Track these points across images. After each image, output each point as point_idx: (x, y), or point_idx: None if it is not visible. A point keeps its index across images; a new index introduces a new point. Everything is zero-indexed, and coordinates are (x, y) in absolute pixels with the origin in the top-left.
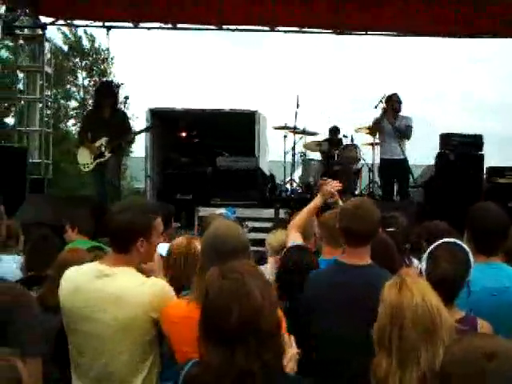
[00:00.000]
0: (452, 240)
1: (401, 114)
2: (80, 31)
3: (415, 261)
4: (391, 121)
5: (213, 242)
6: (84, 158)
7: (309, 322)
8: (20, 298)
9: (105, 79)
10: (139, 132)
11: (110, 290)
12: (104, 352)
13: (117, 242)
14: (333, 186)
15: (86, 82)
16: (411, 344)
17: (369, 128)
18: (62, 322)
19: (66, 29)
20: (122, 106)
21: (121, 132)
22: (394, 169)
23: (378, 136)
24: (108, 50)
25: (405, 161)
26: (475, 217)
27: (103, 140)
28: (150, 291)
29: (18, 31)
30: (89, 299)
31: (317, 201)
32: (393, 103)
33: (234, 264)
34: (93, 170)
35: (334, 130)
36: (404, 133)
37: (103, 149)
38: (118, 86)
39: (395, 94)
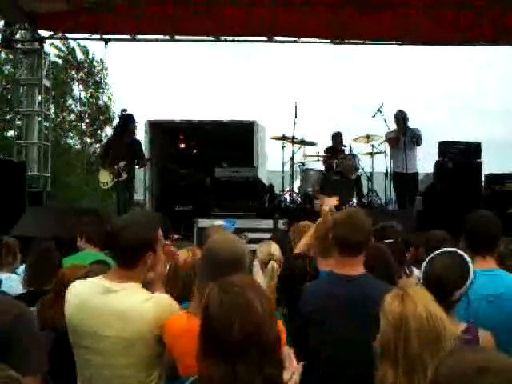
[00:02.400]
0: (453, 249)
1: (409, 126)
2: (73, 43)
3: (415, 270)
4: (404, 136)
5: (208, 255)
6: (104, 177)
7: (306, 334)
8: (21, 316)
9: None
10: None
11: (115, 306)
12: (109, 367)
13: (126, 258)
14: (330, 203)
15: (82, 95)
16: (417, 354)
17: (388, 140)
18: (56, 338)
19: (59, 42)
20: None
21: (137, 157)
22: (406, 181)
23: (389, 149)
24: (101, 61)
25: (416, 174)
26: (469, 221)
27: (122, 163)
28: (155, 308)
29: (16, 45)
30: (94, 315)
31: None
32: (400, 120)
33: (233, 278)
34: (112, 189)
35: (337, 136)
36: (416, 141)
37: (121, 170)
38: (123, 111)
39: (402, 111)
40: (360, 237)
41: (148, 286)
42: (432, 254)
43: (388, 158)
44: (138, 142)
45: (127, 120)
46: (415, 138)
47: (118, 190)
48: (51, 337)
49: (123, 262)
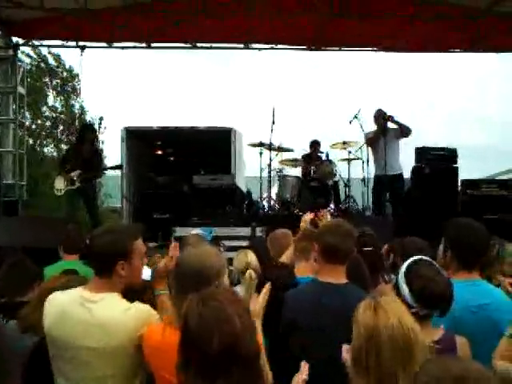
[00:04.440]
0: (424, 257)
1: (389, 126)
2: (44, 51)
3: (394, 277)
4: (384, 136)
5: (177, 268)
6: (59, 183)
7: (287, 343)
8: None
9: (86, 122)
10: (109, 168)
11: (94, 317)
12: (90, 378)
13: (97, 265)
14: (306, 218)
15: (56, 101)
16: (389, 365)
17: (368, 140)
18: (36, 345)
19: (29, 49)
20: (97, 127)
21: (92, 168)
22: (387, 184)
23: (371, 151)
24: (71, 67)
25: (401, 175)
26: (461, 234)
27: (77, 172)
28: (134, 318)
29: None
30: (74, 326)
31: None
32: (380, 119)
33: (212, 291)
34: (65, 194)
35: (314, 144)
36: (404, 130)
37: (75, 179)
38: (100, 119)
39: (381, 110)
40: (348, 245)
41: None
42: (410, 265)
43: (365, 163)
44: (97, 153)
45: (85, 130)
46: (405, 130)
47: (69, 197)
48: (32, 340)
49: (97, 269)
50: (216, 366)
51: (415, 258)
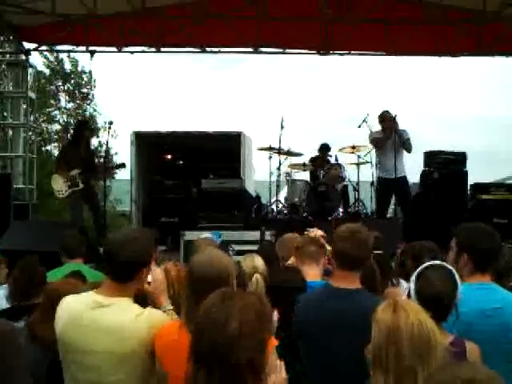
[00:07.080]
0: (439, 262)
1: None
2: (62, 54)
3: (402, 281)
4: (395, 137)
5: (188, 273)
6: (58, 185)
7: (297, 347)
8: (5, 333)
9: (84, 118)
10: (113, 167)
11: (106, 322)
12: (99, 382)
13: (122, 273)
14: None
15: (68, 106)
16: (408, 363)
17: (373, 142)
18: (50, 357)
19: (47, 52)
20: (107, 132)
21: (92, 167)
22: (394, 187)
23: (376, 153)
24: (90, 72)
25: (405, 178)
26: (475, 237)
27: (76, 171)
28: (146, 323)
29: (0, 57)
30: (85, 331)
31: None
32: (390, 121)
33: (237, 291)
34: (69, 197)
35: (324, 148)
36: (407, 147)
37: (77, 179)
38: (110, 123)
39: (389, 112)
40: (362, 253)
41: (151, 296)
42: (421, 269)
43: (374, 167)
44: (91, 153)
45: (81, 127)
46: (406, 144)
47: (73, 199)
48: (45, 363)
49: (119, 276)
50: (201, 361)
51: (432, 262)
